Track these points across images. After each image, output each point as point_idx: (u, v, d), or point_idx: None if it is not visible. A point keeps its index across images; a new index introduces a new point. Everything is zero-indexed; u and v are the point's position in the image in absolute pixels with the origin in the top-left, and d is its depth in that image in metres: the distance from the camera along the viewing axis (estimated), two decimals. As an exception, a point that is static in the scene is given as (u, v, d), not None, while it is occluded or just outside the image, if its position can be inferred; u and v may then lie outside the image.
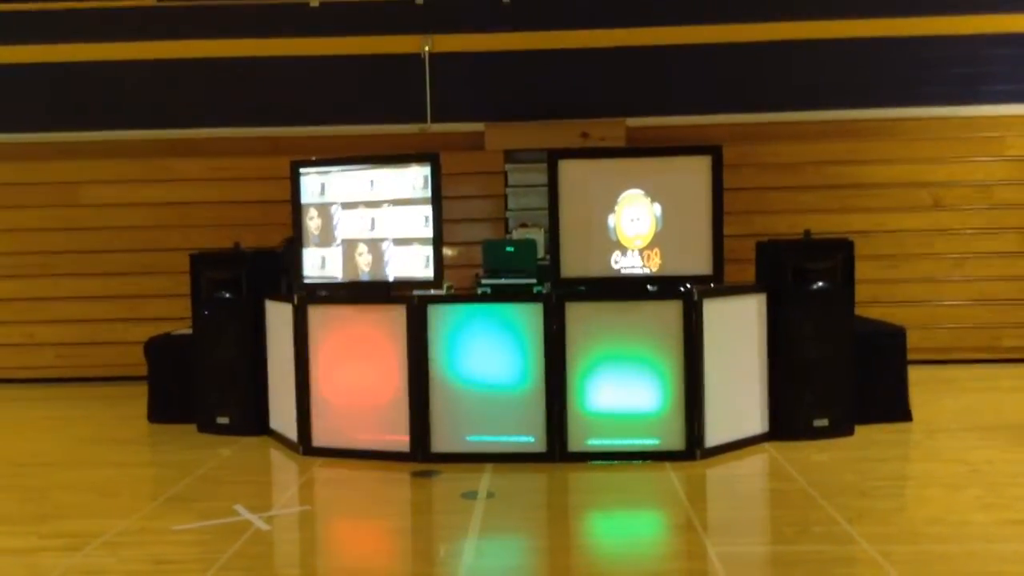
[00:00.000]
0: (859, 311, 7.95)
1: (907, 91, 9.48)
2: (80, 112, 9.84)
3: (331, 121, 9.74)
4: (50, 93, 9.87)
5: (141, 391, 7.63)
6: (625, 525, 5.00)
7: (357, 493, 5.66)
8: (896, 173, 9.41)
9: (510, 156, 9.43)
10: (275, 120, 9.78)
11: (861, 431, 6.53)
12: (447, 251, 9.28)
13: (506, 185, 9.47)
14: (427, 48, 9.70)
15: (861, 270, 8.91)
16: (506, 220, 9.46)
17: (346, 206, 6.47)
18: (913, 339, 8.71)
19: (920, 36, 9.43)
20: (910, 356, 7.10)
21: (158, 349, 7.57)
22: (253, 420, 6.94)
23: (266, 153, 9.48)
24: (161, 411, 7.43)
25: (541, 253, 7.65)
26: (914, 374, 7.86)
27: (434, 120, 9.71)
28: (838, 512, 4.90)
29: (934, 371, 8.87)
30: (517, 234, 9.15)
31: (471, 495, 5.36)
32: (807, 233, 6.65)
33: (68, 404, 8.52)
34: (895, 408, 6.86)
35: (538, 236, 8.12)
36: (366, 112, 9.76)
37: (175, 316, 8.44)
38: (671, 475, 5.69)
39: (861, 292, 8.79)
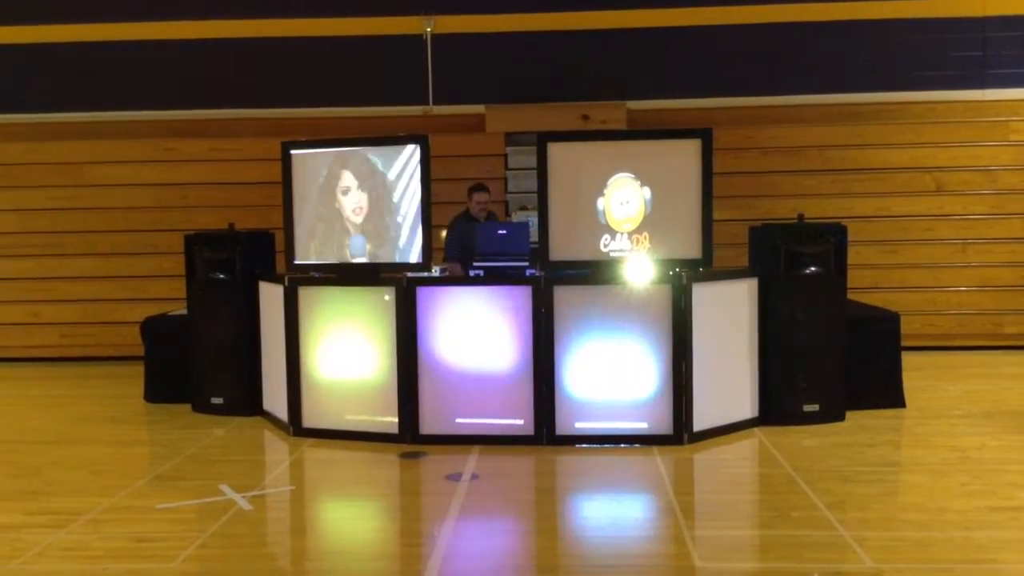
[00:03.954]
0: (860, 296, 7.93)
1: (911, 74, 9.39)
2: (86, 93, 9.90)
3: (333, 103, 9.77)
4: (56, 74, 9.93)
5: (141, 371, 7.69)
6: (604, 508, 4.99)
7: (343, 474, 5.69)
8: (899, 157, 9.32)
9: (511, 138, 9.40)
10: (277, 102, 9.82)
11: (853, 417, 6.51)
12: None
13: (506, 167, 9.45)
14: (429, 29, 9.68)
15: (862, 255, 8.92)
16: (506, 202, 9.44)
17: (337, 187, 6.47)
18: (914, 325, 8.71)
19: (926, 18, 9.35)
20: (911, 342, 7.03)
21: (154, 329, 7.62)
22: (247, 400, 6.99)
23: (268, 134, 9.48)
24: (157, 391, 7.50)
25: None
26: (914, 360, 7.80)
27: (435, 102, 9.71)
28: (819, 497, 4.89)
29: (935, 357, 8.82)
30: (517, 216, 9.15)
31: (455, 477, 5.39)
32: (800, 217, 6.59)
33: (69, 383, 8.61)
34: (888, 394, 6.82)
35: (535, 219, 8.07)
36: (368, 94, 9.77)
37: (178, 296, 8.48)
38: (657, 459, 5.69)
39: (862, 277, 8.80)
